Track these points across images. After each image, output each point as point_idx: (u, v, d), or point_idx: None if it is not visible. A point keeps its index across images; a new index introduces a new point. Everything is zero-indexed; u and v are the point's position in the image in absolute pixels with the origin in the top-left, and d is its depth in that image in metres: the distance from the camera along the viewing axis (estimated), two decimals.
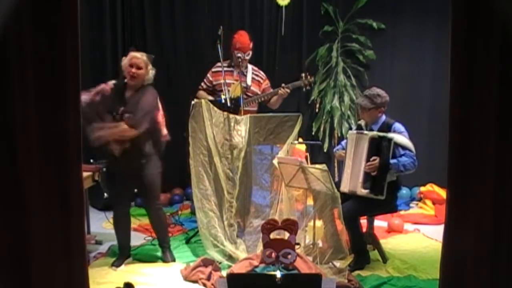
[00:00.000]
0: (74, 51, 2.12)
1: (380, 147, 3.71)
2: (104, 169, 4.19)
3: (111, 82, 3.81)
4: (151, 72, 3.79)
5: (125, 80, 3.79)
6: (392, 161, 3.71)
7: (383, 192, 3.70)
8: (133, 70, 3.70)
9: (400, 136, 3.80)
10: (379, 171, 3.70)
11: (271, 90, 4.69)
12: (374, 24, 5.94)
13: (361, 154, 3.79)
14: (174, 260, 4.03)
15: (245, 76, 4.63)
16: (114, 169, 3.85)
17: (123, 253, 4.00)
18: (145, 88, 3.78)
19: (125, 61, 3.76)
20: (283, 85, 4.60)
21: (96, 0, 5.84)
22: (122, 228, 4.00)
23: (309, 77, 4.72)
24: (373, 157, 3.71)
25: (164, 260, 4.02)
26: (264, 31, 6.04)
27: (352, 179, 3.83)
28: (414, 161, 3.76)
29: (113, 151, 3.65)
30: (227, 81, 4.45)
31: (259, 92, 4.67)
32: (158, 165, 3.89)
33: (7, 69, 2.00)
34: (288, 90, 4.58)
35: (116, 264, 3.90)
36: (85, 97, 3.57)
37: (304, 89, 4.87)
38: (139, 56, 3.74)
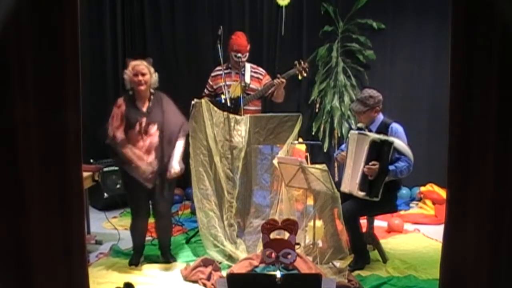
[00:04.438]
0: (74, 51, 2.13)
1: (380, 152, 3.69)
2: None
3: (120, 99, 3.80)
4: (155, 75, 3.82)
5: (130, 92, 3.79)
6: (390, 167, 3.72)
7: (379, 195, 3.71)
8: (139, 77, 3.72)
9: (400, 142, 3.79)
10: (377, 176, 3.70)
11: None
12: (374, 24, 5.93)
13: (361, 155, 3.78)
14: (174, 261, 4.02)
15: (243, 75, 4.63)
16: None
17: (138, 251, 4.00)
18: (157, 96, 3.81)
19: (127, 72, 3.76)
20: (278, 75, 4.59)
21: (96, 1, 5.85)
22: (139, 235, 3.97)
23: (302, 63, 4.68)
24: (373, 162, 3.70)
25: (164, 260, 4.01)
26: (264, 31, 6.03)
27: (351, 180, 3.84)
28: (410, 165, 3.77)
29: (147, 181, 3.69)
30: (227, 83, 4.45)
31: (260, 89, 4.66)
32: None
33: (7, 69, 2.00)
34: (284, 80, 4.56)
35: (135, 262, 3.92)
36: (119, 135, 3.65)
37: (300, 77, 4.76)
38: (139, 63, 3.76)
